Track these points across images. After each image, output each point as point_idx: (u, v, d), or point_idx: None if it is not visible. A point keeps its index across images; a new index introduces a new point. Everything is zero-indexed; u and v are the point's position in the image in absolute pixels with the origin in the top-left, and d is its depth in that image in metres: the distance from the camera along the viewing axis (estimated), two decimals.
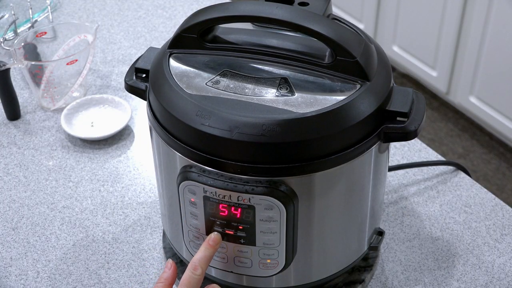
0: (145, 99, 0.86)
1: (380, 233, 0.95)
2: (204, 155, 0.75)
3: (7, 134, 1.24)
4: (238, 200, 0.75)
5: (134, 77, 0.87)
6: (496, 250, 1.03)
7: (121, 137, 1.23)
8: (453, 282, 0.98)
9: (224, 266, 0.83)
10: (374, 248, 0.94)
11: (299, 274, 0.86)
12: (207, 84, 0.78)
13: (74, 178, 1.15)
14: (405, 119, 0.80)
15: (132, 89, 0.87)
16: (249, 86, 0.78)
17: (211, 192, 0.76)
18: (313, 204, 0.79)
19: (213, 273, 0.88)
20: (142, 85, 0.86)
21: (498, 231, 1.06)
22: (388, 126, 0.79)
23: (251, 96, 0.76)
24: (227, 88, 0.78)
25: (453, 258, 1.01)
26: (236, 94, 0.77)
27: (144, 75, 0.87)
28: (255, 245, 0.79)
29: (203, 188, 0.76)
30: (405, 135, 0.80)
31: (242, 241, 0.79)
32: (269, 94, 0.77)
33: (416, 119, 0.81)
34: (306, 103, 0.75)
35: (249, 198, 0.75)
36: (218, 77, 0.79)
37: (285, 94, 0.77)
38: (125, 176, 1.15)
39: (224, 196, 0.75)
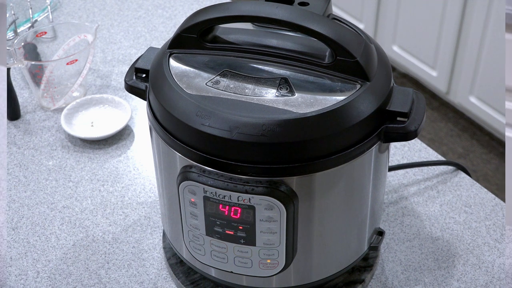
0: (145, 99, 0.86)
1: (380, 233, 0.95)
2: (204, 155, 0.75)
3: (7, 134, 1.24)
4: (238, 200, 0.75)
5: (134, 77, 0.87)
6: (496, 250, 1.03)
7: (121, 137, 1.23)
8: (453, 282, 0.98)
9: (224, 266, 0.83)
10: (374, 248, 0.94)
11: (299, 274, 0.86)
12: (207, 84, 0.78)
13: (74, 178, 1.15)
14: (405, 119, 0.80)
15: (132, 89, 0.87)
16: (249, 86, 0.78)
17: (211, 192, 0.76)
18: (313, 204, 0.79)
19: (213, 273, 0.88)
20: (142, 85, 0.86)
21: (498, 231, 1.06)
22: (388, 126, 0.79)
23: (251, 96, 0.76)
24: (227, 88, 0.78)
25: (453, 258, 1.01)
26: (236, 94, 0.77)
27: (144, 75, 0.87)
28: (255, 245, 0.79)
29: (203, 188, 0.76)
30: (405, 135, 0.80)
31: (242, 241, 0.79)
32: (269, 94, 0.77)
33: (416, 119, 0.81)
34: (306, 103, 0.75)
35: (249, 198, 0.75)
36: (218, 77, 0.79)
37: (285, 94, 0.77)
38: (125, 176, 1.15)
39: (224, 196, 0.75)
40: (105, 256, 1.02)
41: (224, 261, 0.82)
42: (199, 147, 0.75)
